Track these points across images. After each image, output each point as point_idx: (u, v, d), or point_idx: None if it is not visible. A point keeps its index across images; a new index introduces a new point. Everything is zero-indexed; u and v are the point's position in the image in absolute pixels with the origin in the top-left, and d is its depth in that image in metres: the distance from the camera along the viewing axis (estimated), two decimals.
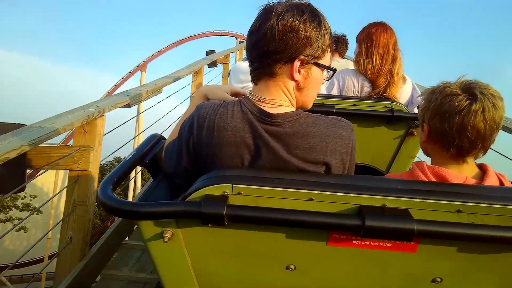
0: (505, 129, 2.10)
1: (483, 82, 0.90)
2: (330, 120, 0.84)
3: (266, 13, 0.80)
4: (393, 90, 1.75)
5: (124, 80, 15.79)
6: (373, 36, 1.76)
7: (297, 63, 0.81)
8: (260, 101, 0.84)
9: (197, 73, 4.85)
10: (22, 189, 1.82)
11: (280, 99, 0.85)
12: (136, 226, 2.74)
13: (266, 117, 0.82)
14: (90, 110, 1.98)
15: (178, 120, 1.02)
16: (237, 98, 0.94)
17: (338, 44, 3.15)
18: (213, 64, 5.98)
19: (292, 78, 0.83)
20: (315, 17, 0.81)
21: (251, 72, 0.87)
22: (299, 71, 0.82)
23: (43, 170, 1.90)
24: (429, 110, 0.94)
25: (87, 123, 1.98)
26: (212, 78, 7.12)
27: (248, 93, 0.89)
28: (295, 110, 0.86)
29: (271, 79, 0.84)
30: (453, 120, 0.88)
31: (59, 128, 1.69)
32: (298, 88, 0.86)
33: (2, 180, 1.80)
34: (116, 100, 2.24)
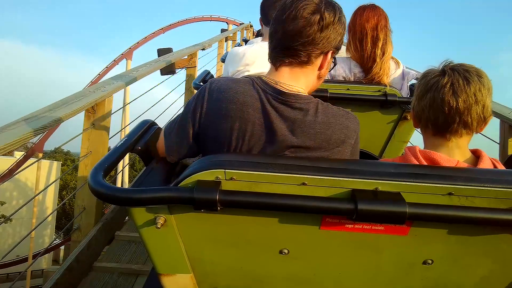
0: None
1: (466, 64, 0.91)
2: (339, 110, 0.86)
3: (306, 2, 0.82)
4: (380, 74, 1.71)
5: (108, 69, 14.54)
6: (355, 20, 1.75)
7: (329, 55, 0.87)
8: (276, 84, 0.85)
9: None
10: None
11: (299, 86, 0.87)
12: (127, 217, 2.71)
13: (278, 95, 0.83)
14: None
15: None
16: None
17: None
18: (168, 71, 4.27)
19: (321, 68, 0.88)
20: (341, 11, 0.85)
21: (277, 54, 0.87)
22: (327, 62, 0.88)
23: (28, 164, 1.92)
24: (415, 96, 0.98)
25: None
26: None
27: (263, 76, 0.89)
28: (307, 95, 0.87)
29: (301, 67, 0.86)
30: (425, 97, 0.91)
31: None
32: (319, 77, 0.91)
33: None
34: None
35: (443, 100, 0.87)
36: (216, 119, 0.84)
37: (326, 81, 1.76)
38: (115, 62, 14.34)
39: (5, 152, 1.35)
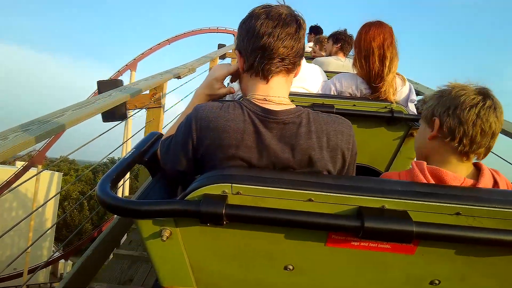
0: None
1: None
2: (330, 117, 0.87)
3: (287, 15, 0.86)
4: (387, 93, 1.72)
5: (112, 79, 14.98)
6: (361, 38, 1.76)
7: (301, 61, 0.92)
8: (265, 100, 0.86)
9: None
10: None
11: (284, 96, 0.90)
12: (125, 236, 2.68)
13: (269, 115, 0.83)
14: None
15: (179, 115, 1.02)
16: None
17: (344, 42, 3.03)
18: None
19: (296, 75, 0.93)
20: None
21: (262, 68, 0.87)
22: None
23: (26, 178, 1.89)
24: (441, 104, 0.94)
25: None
26: None
27: (249, 95, 0.90)
28: (295, 107, 0.88)
29: (285, 76, 0.90)
30: (468, 112, 0.89)
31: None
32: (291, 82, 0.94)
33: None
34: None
35: (488, 120, 0.89)
36: (211, 150, 0.83)
37: (333, 97, 1.78)
38: (119, 72, 14.24)
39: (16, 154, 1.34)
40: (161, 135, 1.08)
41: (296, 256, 0.77)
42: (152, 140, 1.02)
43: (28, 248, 2.42)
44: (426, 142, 0.99)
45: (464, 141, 0.90)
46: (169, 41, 15.12)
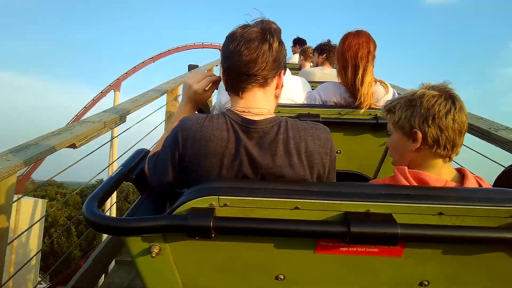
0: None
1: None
2: (308, 123, 0.90)
3: (252, 32, 0.89)
4: (364, 102, 1.75)
5: (95, 101, 13.58)
6: (339, 49, 1.81)
7: (282, 75, 0.94)
8: (245, 111, 0.89)
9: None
10: None
11: (265, 107, 0.92)
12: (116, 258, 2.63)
13: (249, 124, 0.86)
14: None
15: (163, 134, 1.04)
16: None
17: (329, 52, 3.08)
18: None
19: (277, 88, 0.95)
20: (279, 34, 0.97)
21: (239, 84, 0.91)
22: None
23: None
24: (416, 115, 0.95)
25: None
26: None
27: (232, 107, 0.92)
28: (274, 116, 0.91)
29: (262, 89, 0.92)
30: (445, 118, 0.92)
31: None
32: (276, 96, 0.97)
33: None
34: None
35: (462, 122, 0.93)
36: (197, 159, 0.85)
37: (319, 106, 1.80)
38: (102, 93, 13.47)
39: None
40: (148, 151, 1.08)
41: (286, 265, 0.78)
42: (140, 157, 1.03)
43: (6, 282, 2.07)
44: (408, 152, 0.99)
45: (448, 146, 0.93)
46: (153, 59, 14.46)
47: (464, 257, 0.74)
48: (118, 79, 13.39)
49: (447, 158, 0.96)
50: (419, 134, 0.94)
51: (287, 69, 1.06)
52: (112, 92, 13.26)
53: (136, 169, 0.97)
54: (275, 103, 0.98)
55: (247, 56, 0.88)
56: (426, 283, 0.77)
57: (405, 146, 1.00)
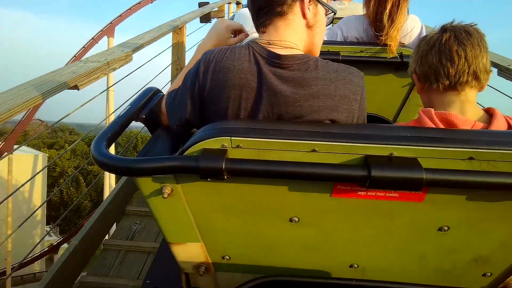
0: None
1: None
2: (340, 66, 0.82)
3: None
4: (390, 40, 1.56)
5: (85, 49, 11.79)
6: None
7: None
8: (270, 44, 0.84)
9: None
10: None
11: (290, 40, 0.85)
12: (115, 225, 2.70)
13: (274, 59, 0.80)
14: None
15: (183, 70, 0.99)
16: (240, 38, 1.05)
17: None
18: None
19: (304, 15, 0.85)
20: None
21: (258, 19, 0.88)
22: (308, 8, 0.85)
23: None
24: (413, 60, 1.00)
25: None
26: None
27: (258, 39, 0.87)
28: (304, 53, 0.84)
29: (281, 19, 0.85)
30: (431, 53, 0.93)
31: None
32: (308, 25, 0.87)
33: None
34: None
35: (450, 50, 0.90)
36: (216, 91, 0.81)
37: (338, 43, 1.67)
38: (94, 40, 11.72)
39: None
40: (158, 90, 1.03)
41: (301, 208, 0.76)
42: (149, 95, 0.98)
43: (6, 239, 2.02)
44: (422, 96, 1.03)
45: (442, 80, 0.92)
46: None
47: (489, 203, 0.70)
48: (111, 23, 11.50)
49: (457, 91, 0.91)
50: (414, 76, 1.00)
51: None
52: (105, 38, 11.52)
53: (146, 108, 0.94)
54: (310, 36, 0.89)
55: None
56: (446, 228, 0.75)
57: (417, 90, 1.03)
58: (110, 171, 0.70)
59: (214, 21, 4.52)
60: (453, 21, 0.96)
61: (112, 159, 0.69)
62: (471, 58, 0.89)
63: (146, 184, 0.74)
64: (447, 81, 0.91)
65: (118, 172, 0.69)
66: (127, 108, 0.89)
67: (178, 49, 3.47)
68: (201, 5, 4.53)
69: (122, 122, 0.84)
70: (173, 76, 3.46)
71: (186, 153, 0.70)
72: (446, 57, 0.90)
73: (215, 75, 0.81)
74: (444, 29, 0.94)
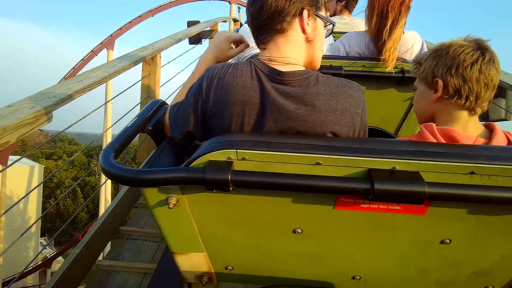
0: None
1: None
2: (341, 80, 0.83)
3: None
4: (388, 55, 1.59)
5: (84, 61, 11.30)
6: None
7: (305, 14, 0.84)
8: (271, 60, 0.85)
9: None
10: None
11: (290, 56, 0.86)
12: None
13: (275, 75, 0.82)
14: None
15: (183, 84, 1.01)
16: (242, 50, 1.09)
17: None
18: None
19: (303, 31, 0.86)
20: None
21: (259, 37, 0.89)
22: (307, 23, 0.85)
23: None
24: (441, 64, 0.93)
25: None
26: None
27: (259, 55, 0.89)
28: (305, 69, 0.85)
29: (282, 36, 0.86)
30: (470, 69, 0.89)
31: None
32: (308, 40, 0.88)
33: None
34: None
35: (489, 74, 0.88)
36: (219, 107, 0.83)
37: (341, 58, 1.70)
38: (93, 53, 11.36)
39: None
40: (164, 102, 1.05)
41: (304, 219, 0.77)
42: (155, 108, 1.00)
43: (3, 252, 1.70)
44: (430, 104, 0.97)
45: (471, 98, 0.90)
46: (152, 13, 11.81)
47: (490, 217, 0.71)
48: (111, 35, 11.24)
49: (472, 112, 0.91)
50: (440, 83, 0.93)
51: None
52: (105, 50, 11.16)
53: (152, 120, 0.95)
54: (310, 51, 0.90)
55: (254, 8, 0.86)
56: (448, 241, 0.76)
57: (427, 97, 0.98)
58: (119, 181, 0.71)
59: (205, 42, 4.47)
60: (469, 35, 0.94)
61: (121, 170, 0.70)
62: (496, 85, 0.90)
63: (152, 195, 0.75)
64: (474, 102, 0.90)
65: (126, 182, 0.70)
66: (134, 120, 0.91)
67: (149, 83, 2.83)
68: (190, 24, 4.23)
69: (129, 134, 0.85)
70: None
71: (192, 164, 0.72)
72: (485, 79, 0.88)
73: (218, 92, 0.82)
74: (483, 47, 0.90)
